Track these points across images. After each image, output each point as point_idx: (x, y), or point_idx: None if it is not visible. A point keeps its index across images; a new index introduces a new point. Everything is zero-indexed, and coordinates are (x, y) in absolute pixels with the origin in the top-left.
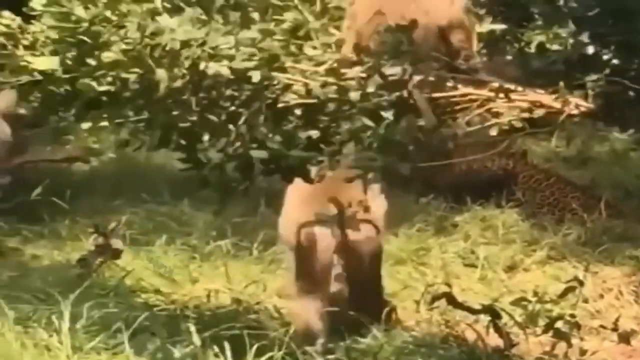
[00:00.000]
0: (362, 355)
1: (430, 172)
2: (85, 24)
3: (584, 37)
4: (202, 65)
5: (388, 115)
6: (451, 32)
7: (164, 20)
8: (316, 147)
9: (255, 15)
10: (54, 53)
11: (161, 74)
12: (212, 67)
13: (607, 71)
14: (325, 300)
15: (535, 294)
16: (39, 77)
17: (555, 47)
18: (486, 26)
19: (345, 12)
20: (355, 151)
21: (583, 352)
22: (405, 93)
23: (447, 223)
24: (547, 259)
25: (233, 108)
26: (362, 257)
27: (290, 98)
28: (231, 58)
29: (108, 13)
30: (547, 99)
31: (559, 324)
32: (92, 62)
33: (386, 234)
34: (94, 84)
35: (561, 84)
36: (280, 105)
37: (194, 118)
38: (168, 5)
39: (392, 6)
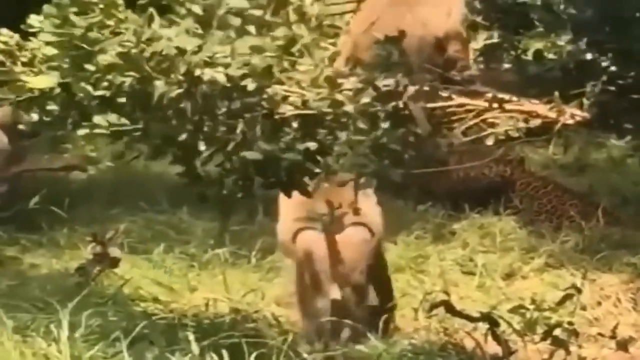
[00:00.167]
0: None
1: (427, 180)
2: (82, 31)
3: (582, 44)
4: (197, 72)
5: (385, 125)
6: (448, 43)
7: (161, 29)
8: (313, 159)
9: (252, 29)
10: (51, 69)
11: (157, 81)
12: (208, 73)
13: (605, 78)
14: (324, 307)
15: (533, 301)
16: (37, 94)
17: (551, 55)
18: (482, 42)
19: (341, 30)
20: (349, 157)
21: None
22: (400, 104)
23: (445, 231)
24: (545, 266)
25: (230, 120)
26: (357, 260)
27: (287, 110)
28: (227, 66)
29: (105, 20)
30: (542, 108)
31: (557, 332)
32: (89, 67)
33: (384, 241)
34: (89, 88)
35: (556, 93)
36: (276, 116)
37: (190, 127)
38: (165, 23)
39: (389, 18)
